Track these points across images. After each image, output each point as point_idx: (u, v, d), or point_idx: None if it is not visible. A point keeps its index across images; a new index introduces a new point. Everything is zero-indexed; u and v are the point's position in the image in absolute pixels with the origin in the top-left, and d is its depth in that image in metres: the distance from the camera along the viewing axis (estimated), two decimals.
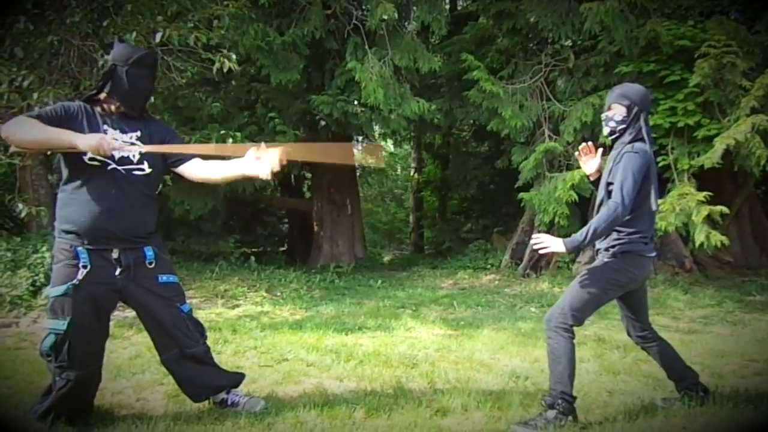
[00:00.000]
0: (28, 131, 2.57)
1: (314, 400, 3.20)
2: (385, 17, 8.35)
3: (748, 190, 9.14)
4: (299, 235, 13.19)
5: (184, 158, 2.96)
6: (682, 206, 6.70)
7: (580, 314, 2.93)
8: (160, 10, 6.35)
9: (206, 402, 3.11)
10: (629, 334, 3.25)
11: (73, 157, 2.71)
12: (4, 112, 6.14)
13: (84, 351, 2.72)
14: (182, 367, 2.98)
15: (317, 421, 2.89)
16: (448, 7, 10.92)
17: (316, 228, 11.24)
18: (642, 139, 2.99)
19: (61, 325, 2.67)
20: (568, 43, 9.21)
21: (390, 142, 17.96)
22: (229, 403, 3.07)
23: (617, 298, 3.10)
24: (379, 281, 8.95)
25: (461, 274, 9.42)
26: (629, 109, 3.01)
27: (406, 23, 9.65)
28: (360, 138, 14.11)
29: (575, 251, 2.96)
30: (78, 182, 2.74)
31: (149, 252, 2.86)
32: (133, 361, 4.08)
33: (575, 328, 2.96)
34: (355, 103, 8.71)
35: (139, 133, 2.88)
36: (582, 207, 8.89)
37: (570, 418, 2.86)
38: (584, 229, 2.87)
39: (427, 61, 8.56)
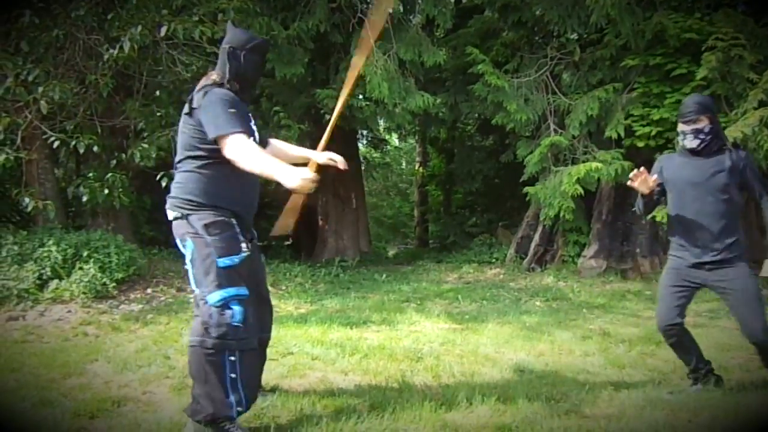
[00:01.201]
0: (256, 162, 2.54)
1: (319, 394, 3.21)
2: (390, 10, 8.31)
3: None
4: (304, 229, 13.20)
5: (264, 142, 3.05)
6: None
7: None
8: (165, 3, 6.36)
9: None
10: (677, 323, 3.31)
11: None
12: (10, 105, 6.16)
13: (263, 316, 2.91)
14: (263, 354, 3.06)
15: (322, 415, 2.90)
16: (453, 0, 10.86)
17: (320, 222, 11.25)
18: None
19: (244, 290, 2.66)
20: (574, 36, 9.15)
21: (395, 136, 17.95)
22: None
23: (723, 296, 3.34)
24: (384, 275, 8.95)
25: (466, 268, 9.41)
26: (712, 120, 3.23)
27: (411, 17, 9.62)
28: (365, 131, 14.09)
29: None
30: (220, 159, 2.64)
31: (253, 230, 2.96)
32: (140, 354, 4.10)
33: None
34: (360, 97, 8.69)
35: (252, 120, 2.93)
36: (587, 201, 8.87)
37: None
38: None
39: (432, 54, 8.53)
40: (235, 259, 2.67)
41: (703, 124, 3.21)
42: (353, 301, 6.83)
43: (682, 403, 3.10)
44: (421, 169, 17.19)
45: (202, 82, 2.84)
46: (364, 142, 16.53)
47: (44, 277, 5.87)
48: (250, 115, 2.89)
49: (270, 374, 3.66)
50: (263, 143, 3.02)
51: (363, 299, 6.95)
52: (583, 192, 7.86)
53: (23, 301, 5.55)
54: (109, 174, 6.74)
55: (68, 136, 6.33)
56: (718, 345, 4.58)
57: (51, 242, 6.13)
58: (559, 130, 8.55)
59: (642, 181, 3.24)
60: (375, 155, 18.51)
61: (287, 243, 13.44)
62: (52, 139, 6.18)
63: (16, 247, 6.05)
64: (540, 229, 9.42)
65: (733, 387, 3.43)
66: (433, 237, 16.09)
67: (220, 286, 2.62)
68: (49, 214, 6.48)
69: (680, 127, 3.29)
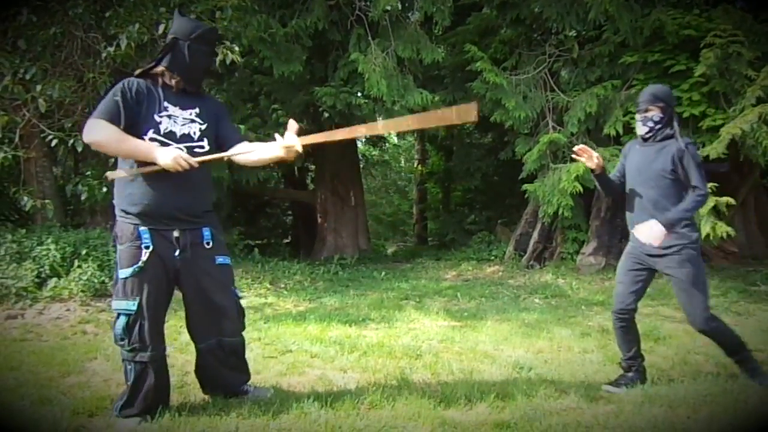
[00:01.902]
0: (114, 142, 2.62)
1: (318, 391, 3.21)
2: (388, 8, 8.31)
3: (754, 181, 9.10)
4: (303, 227, 13.21)
5: (232, 140, 2.93)
6: None
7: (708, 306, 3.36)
8: (162, 1, 6.34)
9: (211, 393, 3.12)
10: (632, 308, 3.49)
11: (134, 135, 2.67)
12: (8, 104, 6.15)
13: (153, 330, 2.73)
14: (213, 357, 2.98)
15: (321, 412, 2.90)
16: None
17: (319, 220, 11.25)
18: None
19: (132, 305, 2.68)
20: (573, 33, 9.15)
21: (393, 133, 17.91)
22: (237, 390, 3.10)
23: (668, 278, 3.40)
24: (383, 273, 8.96)
25: (465, 266, 9.41)
26: (664, 110, 3.32)
27: (409, 14, 9.60)
28: None
29: (671, 229, 3.23)
30: (140, 162, 2.69)
31: (207, 232, 2.86)
32: None
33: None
34: (359, 94, 8.68)
35: (198, 110, 2.85)
36: (586, 198, 8.87)
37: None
38: (678, 212, 3.20)
39: (431, 52, 8.51)
40: (128, 271, 2.69)
41: (653, 113, 3.33)
42: (352, 298, 6.83)
43: (681, 400, 3.10)
44: (419, 167, 17.19)
45: (137, 73, 2.83)
46: (363, 139, 16.51)
47: (43, 275, 5.88)
48: (167, 104, 2.77)
49: (269, 371, 3.68)
50: (228, 144, 2.90)
51: (362, 297, 6.95)
52: (581, 189, 7.86)
53: (22, 300, 5.55)
54: (108, 172, 6.73)
55: (66, 134, 6.32)
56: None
57: (50, 241, 6.13)
58: (558, 128, 8.55)
59: (588, 157, 3.36)
60: (374, 153, 18.50)
61: (285, 241, 13.48)
62: (51, 137, 6.17)
63: (14, 246, 6.05)
64: (539, 226, 9.42)
65: (730, 383, 3.43)
66: (432, 234, 16.10)
67: (115, 296, 2.74)
68: (48, 213, 6.47)
69: (636, 115, 3.45)
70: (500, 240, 10.67)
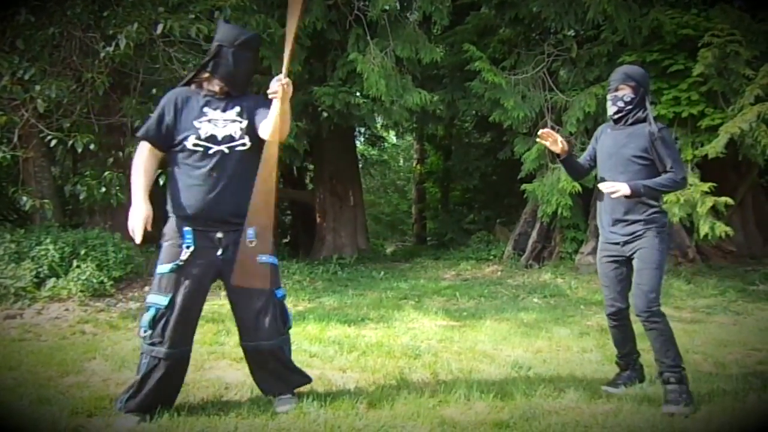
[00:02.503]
0: (133, 168, 2.92)
1: (317, 391, 3.21)
2: (387, 7, 8.30)
3: (752, 180, 9.11)
4: (302, 227, 13.21)
5: (260, 114, 2.92)
6: (687, 197, 6.67)
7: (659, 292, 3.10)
8: (161, 1, 6.34)
9: (209, 392, 3.12)
10: (624, 307, 3.35)
11: (180, 143, 2.84)
12: (7, 104, 6.14)
13: (177, 329, 2.78)
14: (255, 358, 3.01)
15: (320, 412, 2.90)
16: None
17: (318, 219, 11.25)
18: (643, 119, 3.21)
19: (163, 300, 2.76)
20: (571, 33, 9.15)
21: (392, 133, 17.93)
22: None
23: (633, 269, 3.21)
24: (382, 272, 8.96)
25: (464, 265, 9.42)
26: (635, 89, 3.19)
27: (408, 13, 9.60)
28: (362, 129, 14.06)
29: (637, 195, 3.06)
30: (184, 166, 2.84)
31: (250, 231, 2.84)
32: (137, 353, 4.03)
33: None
34: (357, 94, 8.67)
35: (239, 109, 2.92)
36: (585, 198, 8.87)
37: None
38: (651, 182, 3.07)
39: (429, 51, 8.51)
40: (167, 267, 2.79)
41: (624, 92, 3.21)
42: (351, 298, 6.83)
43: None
44: (418, 167, 17.19)
45: (187, 77, 2.99)
46: (362, 139, 16.51)
47: (42, 275, 5.87)
48: (207, 109, 2.87)
49: None
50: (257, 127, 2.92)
51: (361, 296, 6.95)
52: (580, 189, 7.86)
53: (21, 300, 5.55)
54: (107, 172, 6.72)
55: (65, 134, 6.31)
56: (715, 341, 4.60)
57: (48, 240, 6.12)
58: (557, 127, 8.55)
59: (553, 141, 3.26)
60: (372, 152, 18.49)
61: (284, 241, 13.47)
62: (49, 137, 6.16)
63: (13, 246, 6.04)
64: (537, 225, 9.43)
65: (729, 382, 3.44)
66: (430, 234, 16.10)
67: (151, 290, 2.87)
68: (47, 213, 6.47)
69: (607, 95, 3.34)
70: (499, 239, 10.67)
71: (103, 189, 6.65)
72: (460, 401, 3.11)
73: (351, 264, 9.77)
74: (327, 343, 4.43)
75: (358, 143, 15.54)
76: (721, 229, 6.52)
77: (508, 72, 8.74)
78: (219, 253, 2.85)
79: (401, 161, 22.15)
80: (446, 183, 15.73)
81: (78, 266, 5.99)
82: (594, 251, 8.73)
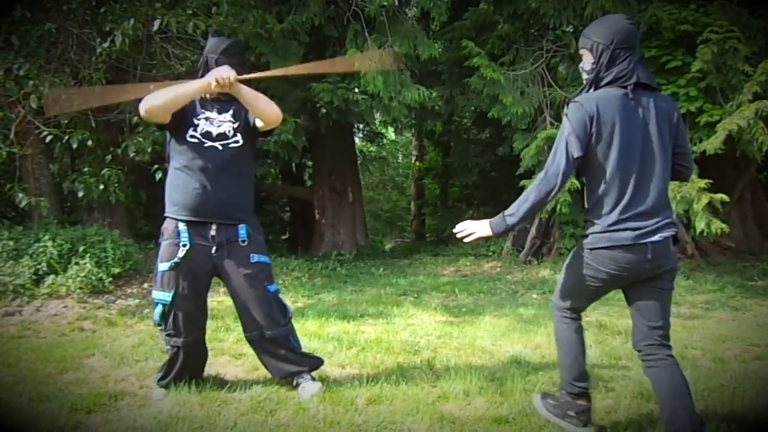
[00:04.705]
0: (163, 96, 2.87)
1: None
2: (385, 3, 8.29)
3: (750, 176, 9.12)
4: (301, 223, 13.21)
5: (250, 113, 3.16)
6: (683, 193, 6.67)
7: (569, 301, 2.65)
8: None
9: (209, 389, 3.12)
10: (633, 343, 2.57)
11: (175, 136, 3.03)
12: (3, 100, 6.12)
13: (186, 320, 3.04)
14: (262, 347, 3.18)
15: (319, 408, 2.90)
16: None
17: (317, 216, 11.25)
18: (614, 82, 2.34)
19: (167, 296, 3.00)
20: (570, 29, 9.14)
21: (391, 129, 17.93)
22: (294, 383, 3.21)
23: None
24: (381, 269, 8.96)
25: (463, 261, 9.42)
26: (593, 50, 2.38)
27: (406, 9, 9.58)
28: (361, 125, 14.02)
29: (505, 233, 2.71)
30: (179, 161, 3.03)
31: (242, 231, 3.08)
32: (136, 349, 4.09)
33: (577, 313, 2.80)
34: (356, 90, 8.67)
35: (232, 111, 3.11)
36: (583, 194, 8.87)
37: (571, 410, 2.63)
38: (514, 206, 2.42)
39: (428, 47, 8.50)
40: (166, 265, 2.99)
41: (584, 60, 2.47)
42: (350, 294, 6.83)
43: None
44: (417, 163, 17.19)
45: None
46: (360, 135, 16.50)
47: (40, 272, 5.86)
48: (204, 109, 3.07)
49: None
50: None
51: (360, 293, 6.95)
52: (579, 185, 7.86)
53: (19, 297, 5.54)
54: (105, 169, 6.72)
55: (62, 130, 6.30)
56: (714, 336, 4.60)
57: (47, 237, 6.11)
58: (556, 123, 8.55)
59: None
60: (371, 149, 18.48)
61: (283, 237, 13.47)
62: (45, 133, 6.14)
63: (11, 243, 6.03)
64: (536, 222, 9.43)
65: (727, 378, 3.44)
66: (429, 230, 16.12)
67: (155, 287, 3.07)
68: (43, 211, 6.45)
69: None
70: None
71: (102, 186, 6.65)
72: (459, 397, 3.12)
73: (350, 260, 9.77)
74: (326, 339, 4.43)
75: (356, 139, 15.54)
76: (717, 225, 6.52)
77: (506, 68, 8.73)
78: (213, 250, 3.03)
79: (400, 158, 22.15)
80: (445, 179, 15.74)
81: (77, 263, 5.98)
82: None
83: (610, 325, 4.96)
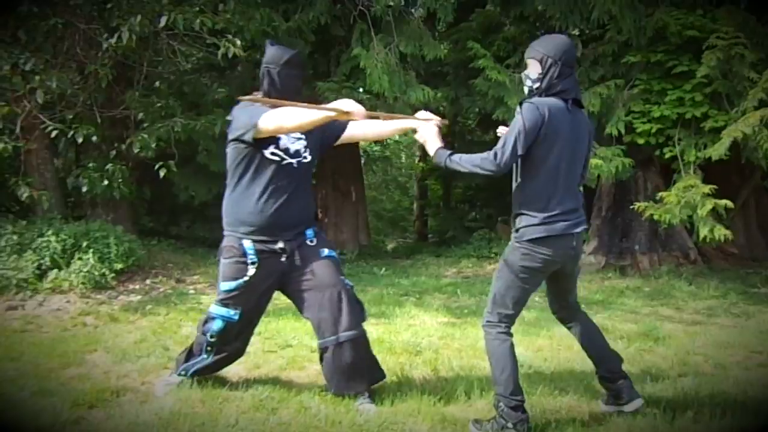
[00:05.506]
0: (295, 117, 2.74)
1: (318, 386, 3.21)
2: (391, 3, 8.30)
3: (755, 183, 9.09)
4: None
5: (340, 130, 3.19)
6: (688, 199, 6.65)
7: (503, 309, 2.76)
8: None
9: (211, 386, 3.12)
10: (552, 311, 3.07)
11: (254, 152, 2.91)
12: (10, 95, 6.14)
13: (243, 332, 3.09)
14: (338, 354, 2.98)
15: (321, 407, 2.91)
16: None
17: (320, 215, 11.24)
18: (558, 94, 2.66)
19: (234, 315, 2.96)
20: (576, 32, 9.12)
21: None
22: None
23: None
24: (383, 269, 8.96)
25: (465, 263, 9.42)
26: (542, 62, 2.68)
27: (412, 9, 9.58)
28: None
29: (437, 164, 2.84)
30: (253, 178, 2.94)
31: (309, 232, 3.09)
32: (139, 345, 4.10)
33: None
34: (360, 90, 8.66)
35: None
36: (587, 197, 8.85)
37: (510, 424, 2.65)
38: (458, 157, 2.72)
39: (433, 48, 8.49)
40: (233, 284, 2.93)
41: (529, 69, 2.75)
42: None
43: (681, 400, 3.11)
44: (420, 163, 17.17)
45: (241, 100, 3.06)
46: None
47: (43, 267, 5.88)
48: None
49: (269, 366, 3.68)
50: (336, 132, 3.23)
51: (362, 292, 6.90)
52: (582, 188, 7.84)
53: (22, 291, 5.56)
54: (109, 164, 6.73)
55: (67, 126, 6.31)
56: (716, 342, 4.59)
57: (50, 232, 6.12)
58: None
59: None
60: (375, 149, 18.47)
61: None
62: (50, 128, 6.15)
63: (15, 237, 6.04)
64: None
65: (730, 384, 3.43)
66: (432, 231, 16.10)
67: (219, 302, 2.99)
68: (43, 205, 6.45)
69: None
70: (501, 237, 10.66)
71: (106, 181, 6.66)
72: (461, 398, 3.11)
73: (352, 260, 9.77)
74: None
75: None
76: (721, 232, 6.48)
77: (512, 70, 8.71)
78: (283, 259, 2.99)
79: (403, 158, 22.12)
80: (448, 180, 15.71)
81: (80, 258, 5.99)
82: (595, 251, 8.77)
83: (612, 329, 4.96)
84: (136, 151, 6.65)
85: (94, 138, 6.36)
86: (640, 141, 7.71)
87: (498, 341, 2.76)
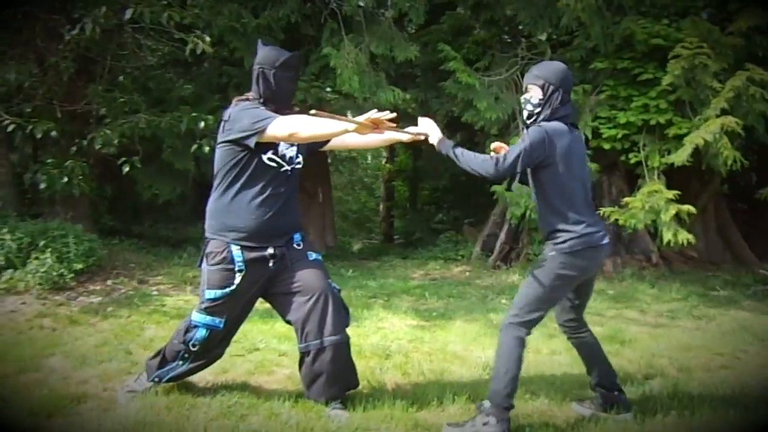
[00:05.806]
0: (312, 127, 2.62)
1: (288, 391, 3.15)
2: (362, 3, 8.25)
3: (714, 188, 9.35)
4: None
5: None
6: (652, 204, 6.79)
7: (535, 313, 2.82)
8: None
9: (178, 393, 3.02)
10: (559, 322, 3.12)
11: (251, 157, 2.81)
12: None
13: (226, 338, 3.03)
14: (318, 360, 2.93)
15: (291, 413, 2.85)
16: None
17: None
18: (561, 119, 2.85)
19: (219, 323, 2.89)
20: (544, 37, 9.23)
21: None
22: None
23: None
24: (350, 270, 8.89)
25: (432, 265, 9.42)
26: (544, 89, 2.86)
27: (383, 10, 9.55)
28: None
29: (442, 153, 2.93)
30: (250, 183, 2.84)
31: (296, 236, 3.02)
32: (99, 349, 3.96)
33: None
34: (328, 90, 8.59)
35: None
36: None
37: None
38: (460, 151, 2.87)
39: (404, 49, 8.47)
40: (219, 293, 2.84)
41: (530, 94, 2.90)
42: None
43: (650, 403, 3.14)
44: (387, 165, 17.17)
45: (235, 100, 2.97)
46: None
47: None
48: None
49: (237, 371, 3.59)
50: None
51: None
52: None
53: None
54: (69, 161, 6.50)
55: (24, 120, 6.07)
56: (679, 345, 4.68)
57: (5, 230, 5.88)
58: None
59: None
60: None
61: None
62: (7, 122, 5.91)
63: None
64: (506, 227, 9.49)
65: (696, 387, 3.49)
66: (398, 233, 16.10)
67: (200, 310, 2.90)
68: None
69: None
70: (467, 240, 10.71)
71: (65, 178, 6.44)
72: (433, 404, 3.09)
73: None
74: (296, 342, 4.34)
75: None
76: (684, 236, 6.65)
77: (481, 73, 8.76)
78: (271, 264, 2.90)
79: (369, 158, 22.09)
80: (415, 182, 15.76)
81: (36, 258, 5.76)
82: None
83: (618, 336, 4.98)
84: (97, 147, 6.45)
85: (54, 133, 6.14)
86: (606, 146, 7.84)
87: (515, 343, 2.81)
